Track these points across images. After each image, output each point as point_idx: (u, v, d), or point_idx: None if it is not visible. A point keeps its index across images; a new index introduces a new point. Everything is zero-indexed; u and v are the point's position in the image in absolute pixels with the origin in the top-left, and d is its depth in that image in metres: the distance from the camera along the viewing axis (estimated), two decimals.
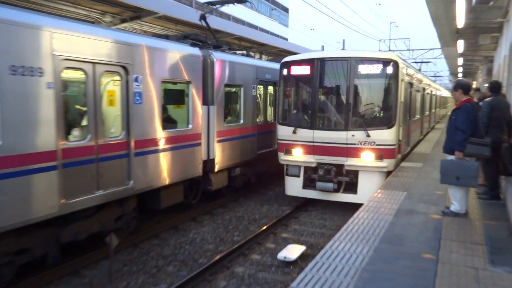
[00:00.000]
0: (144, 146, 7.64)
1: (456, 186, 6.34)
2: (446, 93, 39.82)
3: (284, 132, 10.29)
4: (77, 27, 6.43)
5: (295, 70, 10.26)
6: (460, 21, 14.64)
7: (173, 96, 8.99)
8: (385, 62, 9.40)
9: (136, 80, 7.41)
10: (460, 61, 31.05)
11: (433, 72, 55.81)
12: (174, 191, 8.87)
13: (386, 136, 9.34)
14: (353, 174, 9.68)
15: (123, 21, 11.86)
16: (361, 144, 9.38)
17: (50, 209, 5.95)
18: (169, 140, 8.31)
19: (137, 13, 11.62)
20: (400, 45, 63.86)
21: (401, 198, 7.54)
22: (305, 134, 9.91)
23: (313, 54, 10.47)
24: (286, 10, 68.76)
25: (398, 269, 4.49)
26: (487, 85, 9.97)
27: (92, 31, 6.70)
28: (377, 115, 9.96)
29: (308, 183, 10.17)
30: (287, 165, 10.35)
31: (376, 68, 9.42)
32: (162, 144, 8.13)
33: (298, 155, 10.08)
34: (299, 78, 10.47)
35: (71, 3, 10.28)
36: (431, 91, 20.58)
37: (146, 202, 8.42)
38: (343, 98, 9.77)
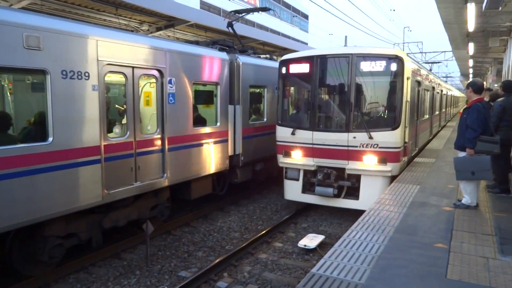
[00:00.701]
0: (177, 142, 7.72)
1: (467, 180, 6.18)
2: (457, 93, 38.72)
3: (282, 133, 9.13)
4: (118, 35, 6.54)
5: (294, 68, 9.02)
6: (471, 25, 14.24)
7: (203, 97, 9.05)
8: (389, 59, 8.15)
9: (170, 82, 7.49)
10: (470, 62, 30.25)
11: (444, 73, 54.47)
12: (204, 183, 8.93)
13: (390, 138, 8.14)
14: (355, 179, 8.50)
15: (159, 29, 12.06)
16: (363, 146, 8.22)
17: (95, 198, 6.10)
18: (199, 136, 8.38)
19: (171, 22, 11.79)
20: (414, 48, 62.36)
21: (415, 191, 7.40)
22: (304, 135, 8.76)
23: (312, 51, 9.22)
24: (306, 17, 68.22)
25: (412, 257, 4.41)
26: (496, 85, 9.65)
27: (132, 38, 6.80)
28: (381, 115, 8.74)
29: (308, 187, 9.06)
30: (286, 168, 9.24)
31: (379, 65, 8.19)
32: (193, 140, 8.19)
33: (297, 158, 8.94)
34: (298, 77, 9.22)
35: (113, 14, 10.50)
36: (441, 90, 19.49)
37: (178, 193, 8.51)
38: (344, 97, 8.54)
